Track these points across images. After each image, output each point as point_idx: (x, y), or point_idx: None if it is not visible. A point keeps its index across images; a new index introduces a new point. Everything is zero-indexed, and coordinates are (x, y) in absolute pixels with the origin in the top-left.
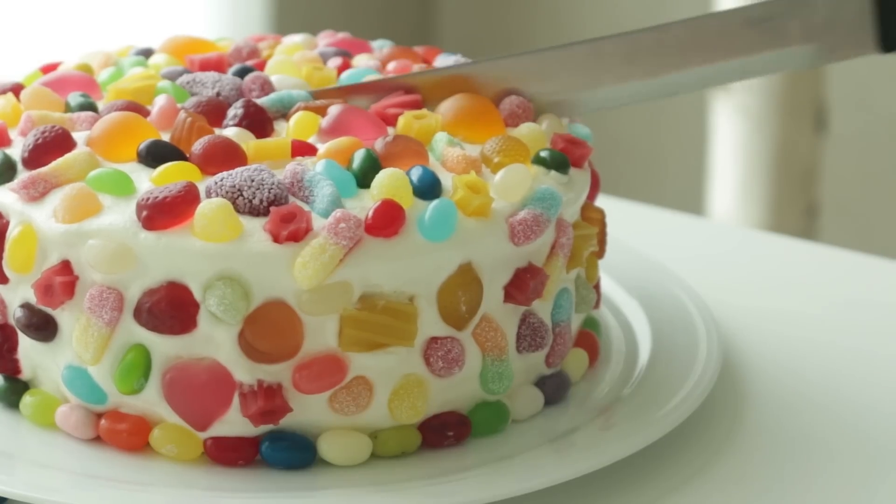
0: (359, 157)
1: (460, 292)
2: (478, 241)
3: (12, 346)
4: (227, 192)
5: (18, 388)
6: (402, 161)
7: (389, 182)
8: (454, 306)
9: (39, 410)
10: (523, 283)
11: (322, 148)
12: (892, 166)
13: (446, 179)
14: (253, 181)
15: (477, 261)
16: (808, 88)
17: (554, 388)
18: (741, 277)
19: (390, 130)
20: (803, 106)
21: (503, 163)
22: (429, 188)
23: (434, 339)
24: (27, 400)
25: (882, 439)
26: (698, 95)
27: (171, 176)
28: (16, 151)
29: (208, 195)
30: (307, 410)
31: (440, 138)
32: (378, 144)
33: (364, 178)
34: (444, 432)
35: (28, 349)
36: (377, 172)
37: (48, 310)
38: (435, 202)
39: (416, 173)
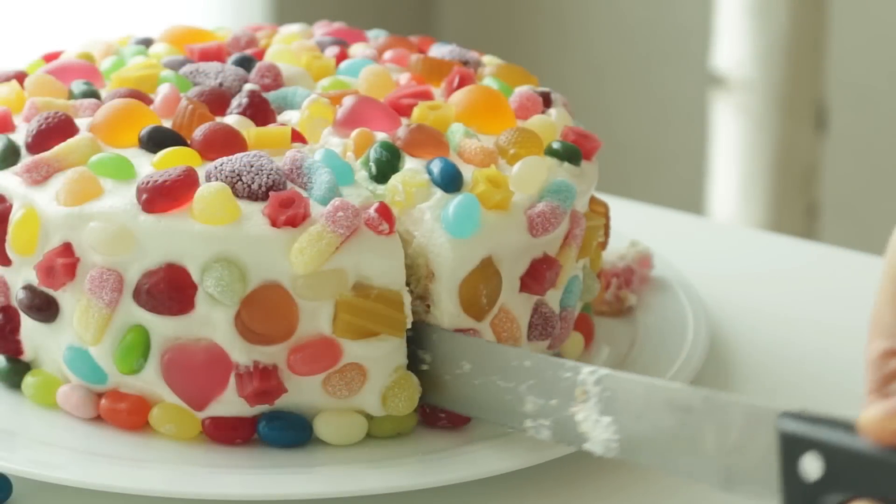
0: (376, 149)
1: (481, 285)
2: (498, 235)
3: (14, 327)
4: (226, 177)
5: (20, 368)
6: (424, 150)
7: (409, 180)
8: (476, 299)
9: (41, 390)
10: (539, 274)
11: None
12: (892, 166)
13: (465, 171)
14: (252, 166)
15: (497, 254)
16: (808, 88)
17: None
18: (741, 277)
19: (404, 121)
20: (803, 106)
21: (519, 154)
22: (451, 181)
23: (457, 331)
24: (29, 380)
25: None
26: (698, 95)
27: (172, 161)
28: (19, 137)
29: (208, 179)
30: (302, 392)
31: (456, 129)
32: (400, 132)
33: (382, 171)
34: (440, 414)
35: (30, 330)
36: (398, 161)
37: (50, 291)
38: (458, 198)
39: (437, 166)
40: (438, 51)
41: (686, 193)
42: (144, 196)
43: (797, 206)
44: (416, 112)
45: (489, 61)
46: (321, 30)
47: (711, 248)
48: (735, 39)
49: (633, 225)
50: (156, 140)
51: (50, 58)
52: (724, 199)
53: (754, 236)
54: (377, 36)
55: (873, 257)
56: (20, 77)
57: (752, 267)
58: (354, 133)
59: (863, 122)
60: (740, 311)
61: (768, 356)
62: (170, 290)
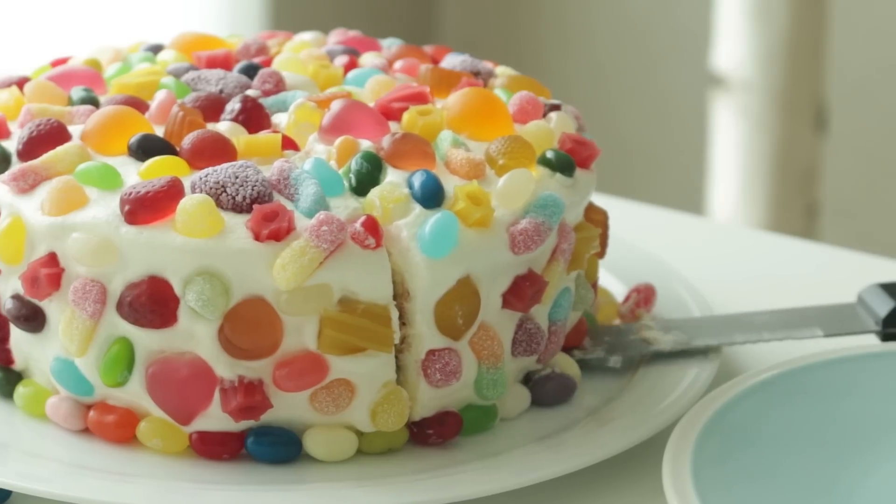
0: (356, 160)
1: (457, 305)
2: (477, 253)
3: (4, 336)
4: (210, 188)
5: (13, 378)
6: (409, 161)
7: (387, 195)
8: (451, 319)
9: (31, 401)
10: (522, 291)
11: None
12: (892, 166)
13: (449, 183)
14: (237, 177)
15: (475, 273)
16: (808, 88)
17: (555, 392)
18: (741, 277)
19: (393, 126)
20: (803, 106)
21: (508, 165)
22: (431, 196)
23: (431, 352)
24: (20, 390)
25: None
26: (698, 95)
27: (159, 171)
28: (12, 144)
29: (193, 191)
30: (288, 407)
31: (445, 137)
32: (385, 142)
33: (362, 184)
34: (431, 431)
35: (19, 340)
36: (379, 173)
37: (36, 301)
38: (436, 216)
39: (418, 179)
40: (451, 61)
41: (686, 194)
42: (127, 207)
43: (797, 206)
44: (405, 118)
45: (502, 72)
46: (336, 38)
47: (711, 248)
48: (735, 40)
49: (633, 226)
50: (145, 148)
51: (58, 63)
52: (724, 199)
53: (754, 236)
54: (391, 45)
55: (873, 257)
56: (21, 83)
57: (752, 267)
58: (338, 141)
59: (863, 123)
60: (739, 311)
61: (767, 356)
62: (152, 303)
